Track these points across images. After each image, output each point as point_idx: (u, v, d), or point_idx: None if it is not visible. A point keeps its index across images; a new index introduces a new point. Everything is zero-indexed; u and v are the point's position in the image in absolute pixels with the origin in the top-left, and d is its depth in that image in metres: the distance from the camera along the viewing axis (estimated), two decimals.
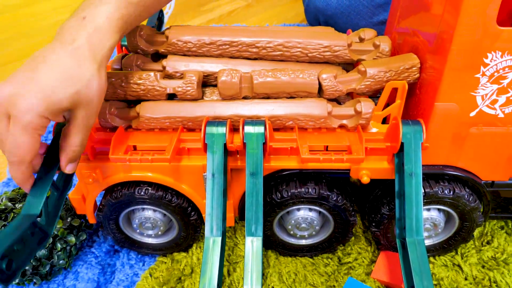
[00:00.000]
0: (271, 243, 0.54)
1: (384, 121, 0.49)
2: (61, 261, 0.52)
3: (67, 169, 0.41)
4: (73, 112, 0.38)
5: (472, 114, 0.43)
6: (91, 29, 0.39)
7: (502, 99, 0.42)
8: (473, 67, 0.40)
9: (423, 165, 0.47)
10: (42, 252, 0.50)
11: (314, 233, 0.52)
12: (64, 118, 0.39)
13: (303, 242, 0.54)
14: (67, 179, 0.43)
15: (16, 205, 0.52)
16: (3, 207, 0.51)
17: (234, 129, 0.47)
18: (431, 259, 0.55)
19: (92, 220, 0.52)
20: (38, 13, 1.37)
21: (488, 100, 0.42)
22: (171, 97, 0.48)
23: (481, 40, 0.38)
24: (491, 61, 0.39)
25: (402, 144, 0.43)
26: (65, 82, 0.36)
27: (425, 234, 0.52)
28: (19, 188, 0.55)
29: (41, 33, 1.23)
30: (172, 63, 0.49)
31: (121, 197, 0.48)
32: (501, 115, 0.43)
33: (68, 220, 0.53)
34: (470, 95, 0.41)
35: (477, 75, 0.40)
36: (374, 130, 0.47)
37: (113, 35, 0.41)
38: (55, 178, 0.41)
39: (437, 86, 0.42)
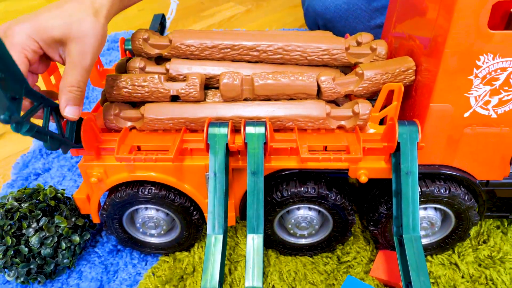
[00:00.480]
0: (271, 242, 0.55)
1: (382, 122, 0.50)
2: (65, 260, 0.53)
3: (66, 111, 0.42)
4: (67, 47, 0.40)
5: (466, 114, 0.44)
6: None
7: (494, 100, 0.43)
8: (466, 69, 0.41)
9: (419, 165, 0.48)
10: (47, 251, 0.51)
11: (313, 232, 0.54)
12: (61, 58, 0.41)
13: (303, 241, 0.55)
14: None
15: (22, 205, 0.53)
16: (9, 206, 0.52)
17: (236, 130, 0.48)
18: (429, 257, 0.56)
19: (96, 219, 0.54)
20: None
21: (481, 101, 0.43)
22: (174, 99, 0.49)
23: (474, 43, 0.39)
24: (483, 64, 0.40)
25: (398, 144, 0.44)
26: (58, 16, 0.40)
27: (423, 233, 0.54)
28: (25, 188, 0.56)
29: None
30: (175, 66, 0.50)
31: (125, 197, 0.50)
32: (494, 115, 0.44)
33: (73, 220, 0.54)
34: (463, 96, 0.43)
35: (470, 77, 0.42)
36: (371, 130, 0.48)
37: None
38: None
39: (432, 88, 0.43)
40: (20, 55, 0.39)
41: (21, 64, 0.39)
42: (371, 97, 0.50)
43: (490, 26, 0.52)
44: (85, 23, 0.40)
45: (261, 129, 0.45)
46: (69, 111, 0.42)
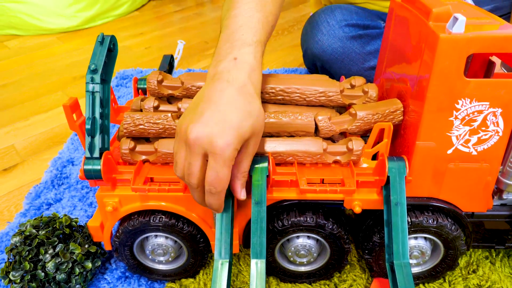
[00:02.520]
0: (272, 270, 0.59)
1: (374, 157, 0.55)
2: (77, 286, 0.56)
3: (242, 195, 0.46)
4: (247, 142, 0.44)
5: (449, 151, 0.49)
6: (248, 68, 0.46)
7: (474, 139, 0.48)
8: (447, 111, 0.46)
9: (409, 197, 0.52)
10: (61, 276, 0.55)
11: (312, 260, 0.57)
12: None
13: (302, 268, 0.59)
14: None
15: (40, 232, 0.57)
16: (28, 233, 0.56)
17: None
18: (421, 286, 0.60)
19: (108, 246, 0.57)
20: (52, 55, 1.46)
21: (462, 140, 0.48)
22: None
23: (452, 88, 0.45)
24: (461, 107, 0.46)
25: (388, 177, 0.49)
26: (245, 118, 0.43)
27: (414, 261, 0.57)
28: (41, 216, 0.60)
29: (55, 74, 1.31)
30: (186, 105, 0.55)
31: (137, 225, 0.54)
32: (475, 152, 0.49)
33: (86, 247, 0.57)
34: (446, 135, 0.48)
35: (451, 118, 0.47)
36: (364, 165, 0.53)
37: (261, 72, 0.48)
38: None
39: (418, 127, 0.48)
40: (230, 168, 0.43)
41: (230, 173, 0.43)
42: (364, 134, 0.55)
43: (472, 72, 0.58)
44: (260, 118, 0.45)
45: (264, 163, 0.49)
46: (243, 194, 0.47)
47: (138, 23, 1.75)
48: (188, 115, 0.44)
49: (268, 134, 0.53)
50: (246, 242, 0.56)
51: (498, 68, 0.58)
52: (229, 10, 0.52)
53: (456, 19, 0.42)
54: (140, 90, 0.66)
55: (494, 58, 0.57)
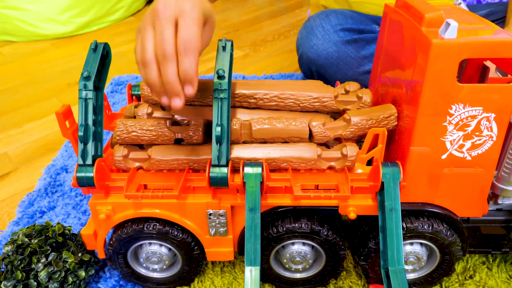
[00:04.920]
0: (268, 277, 0.58)
1: (369, 163, 0.54)
2: None
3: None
4: (204, 24, 0.46)
5: (444, 157, 0.49)
6: None
7: (468, 144, 0.48)
8: (441, 117, 0.46)
9: (405, 203, 0.52)
10: (54, 285, 0.54)
11: (307, 266, 0.57)
12: None
13: (298, 275, 0.58)
14: None
15: (32, 241, 0.56)
16: (20, 242, 0.56)
17: (235, 170, 0.52)
18: None
19: (102, 255, 0.57)
20: (46, 61, 1.45)
21: (456, 145, 0.48)
22: (178, 141, 0.54)
23: (445, 94, 0.45)
24: (455, 112, 0.46)
25: (382, 183, 0.48)
26: (203, 1, 0.46)
27: (410, 267, 0.57)
28: (34, 225, 0.59)
29: (49, 81, 1.31)
30: (180, 112, 0.55)
31: (131, 232, 0.53)
32: (469, 157, 0.49)
33: (79, 255, 0.57)
34: (440, 141, 0.48)
35: (445, 123, 0.47)
36: (359, 171, 0.53)
37: None
38: None
39: (412, 133, 0.48)
40: (200, 30, 0.44)
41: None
42: (359, 139, 0.55)
43: (466, 76, 0.58)
44: (213, 12, 0.48)
45: (258, 169, 0.49)
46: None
47: (133, 29, 1.75)
48: (148, 9, 0.45)
49: (262, 140, 0.53)
50: (241, 249, 0.56)
51: (493, 73, 0.58)
52: None
53: (448, 24, 0.42)
54: (134, 97, 0.66)
55: (488, 63, 0.57)
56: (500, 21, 0.98)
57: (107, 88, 1.17)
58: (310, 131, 0.53)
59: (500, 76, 0.59)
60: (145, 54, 0.43)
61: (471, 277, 0.61)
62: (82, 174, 0.49)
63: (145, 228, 0.53)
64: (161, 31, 0.43)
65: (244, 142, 0.54)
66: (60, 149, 0.93)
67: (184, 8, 0.43)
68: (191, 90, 0.44)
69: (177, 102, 0.44)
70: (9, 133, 1.03)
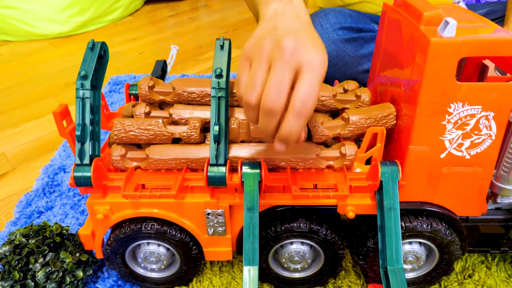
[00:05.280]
0: (266, 276, 0.58)
1: (368, 162, 0.54)
2: None
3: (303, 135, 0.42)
4: None
5: (442, 156, 0.49)
6: (305, 11, 0.44)
7: (467, 143, 0.48)
8: (440, 115, 0.46)
9: (403, 202, 0.52)
10: (52, 285, 0.54)
11: (306, 266, 0.57)
12: None
13: (296, 275, 0.58)
14: None
15: (29, 241, 0.56)
16: (18, 242, 0.55)
17: (233, 169, 0.52)
18: None
19: (99, 255, 0.56)
20: (44, 61, 1.45)
21: (455, 144, 0.48)
22: (176, 141, 0.53)
23: (444, 92, 0.45)
24: (454, 110, 0.45)
25: (381, 182, 0.48)
26: (324, 48, 0.40)
27: (409, 266, 0.57)
28: (31, 225, 0.59)
29: (47, 80, 1.30)
30: (178, 111, 0.55)
31: (129, 232, 0.53)
32: (468, 156, 0.49)
33: (77, 255, 0.57)
34: (439, 139, 0.48)
35: (444, 122, 0.46)
36: (358, 170, 0.53)
37: None
38: None
39: (410, 131, 0.48)
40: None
41: None
42: (357, 139, 0.55)
43: (466, 75, 0.58)
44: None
45: (256, 169, 0.49)
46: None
47: (131, 28, 1.74)
48: (267, 36, 0.38)
49: (261, 140, 0.53)
50: (239, 248, 0.56)
51: (492, 72, 0.58)
52: None
53: (447, 22, 0.42)
54: (132, 96, 0.66)
55: (487, 62, 0.57)
56: (499, 20, 0.98)
57: (105, 88, 1.17)
58: (309, 130, 0.52)
59: (499, 75, 0.59)
60: (250, 98, 0.38)
61: (470, 276, 0.61)
62: (80, 174, 0.49)
63: (143, 228, 0.53)
64: (278, 78, 0.36)
65: (242, 141, 0.53)
66: (58, 149, 0.93)
67: (313, 59, 0.36)
68: (282, 148, 0.39)
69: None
70: (7, 133, 1.03)
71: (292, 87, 0.37)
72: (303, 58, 0.36)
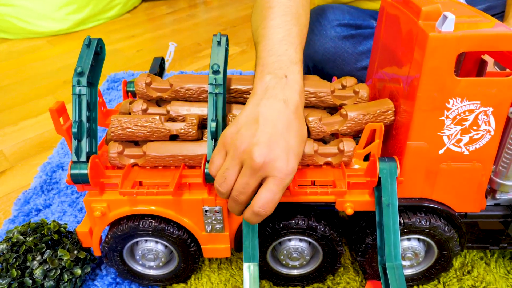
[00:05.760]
0: (265, 273, 0.58)
1: (367, 158, 0.54)
2: None
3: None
4: None
5: (441, 151, 0.48)
6: (298, 89, 0.47)
7: (465, 138, 0.47)
8: (438, 111, 0.46)
9: (401, 198, 0.52)
10: (50, 283, 0.53)
11: (304, 262, 0.56)
12: None
13: (295, 272, 0.58)
14: None
15: (27, 238, 0.55)
16: (15, 240, 0.55)
17: None
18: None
19: (97, 252, 0.56)
20: (42, 58, 1.44)
21: (453, 139, 0.48)
22: (174, 137, 0.53)
23: (442, 88, 0.44)
24: (452, 106, 0.45)
25: (379, 178, 0.48)
26: (301, 143, 0.45)
27: (408, 263, 0.57)
28: (29, 223, 0.58)
29: (45, 78, 1.30)
30: (175, 108, 0.54)
31: (126, 230, 0.53)
32: (466, 152, 0.48)
33: (75, 253, 0.56)
34: (437, 135, 0.47)
35: (442, 118, 0.46)
36: (356, 166, 0.52)
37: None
38: None
39: (409, 127, 0.48)
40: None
41: None
42: (356, 135, 0.55)
43: (465, 70, 0.58)
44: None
45: None
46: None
47: (129, 26, 1.74)
48: (245, 132, 0.43)
49: None
50: (237, 245, 0.56)
51: (491, 67, 0.58)
52: (264, 20, 0.52)
53: (445, 17, 0.42)
54: (129, 93, 0.65)
55: (486, 57, 0.57)
56: (499, 16, 0.97)
57: (103, 85, 1.17)
58: (307, 126, 0.52)
59: (498, 70, 0.59)
60: (221, 188, 0.43)
61: (469, 272, 0.61)
62: (77, 171, 0.49)
63: (140, 225, 0.52)
64: (244, 182, 0.42)
65: None
66: (56, 147, 0.92)
67: (281, 170, 0.41)
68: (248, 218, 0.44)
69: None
70: (5, 131, 1.03)
71: (260, 185, 0.43)
72: (270, 171, 0.41)
